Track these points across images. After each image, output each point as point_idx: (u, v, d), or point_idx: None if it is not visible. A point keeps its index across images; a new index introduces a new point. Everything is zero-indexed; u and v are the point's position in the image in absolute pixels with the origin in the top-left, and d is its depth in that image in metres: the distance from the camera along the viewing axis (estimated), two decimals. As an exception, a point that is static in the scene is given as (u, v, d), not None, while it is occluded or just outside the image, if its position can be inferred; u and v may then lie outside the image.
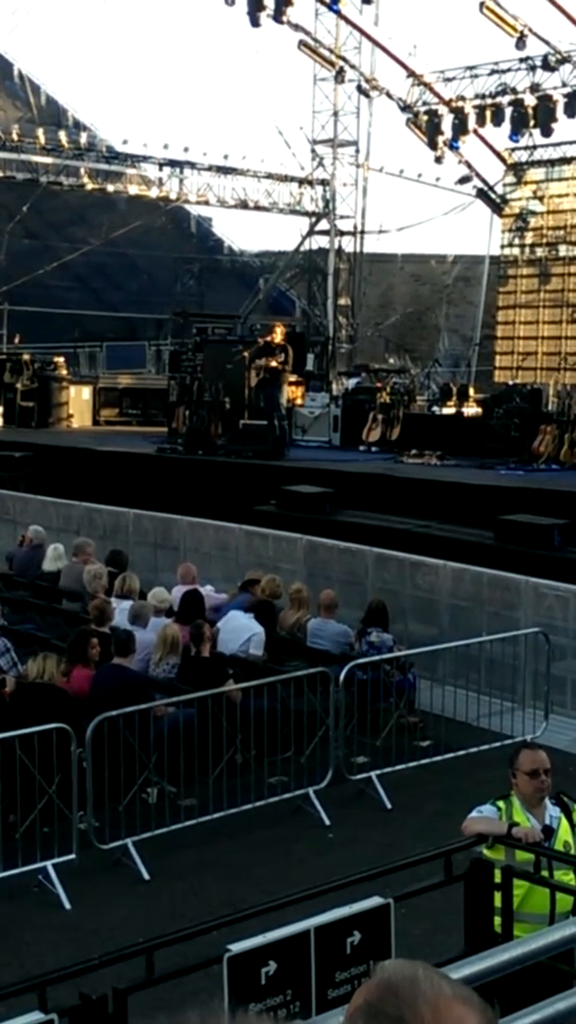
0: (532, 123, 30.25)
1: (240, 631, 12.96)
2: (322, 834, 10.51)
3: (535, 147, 32.87)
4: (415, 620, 14.95)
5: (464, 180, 34.53)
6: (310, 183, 38.35)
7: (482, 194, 34.88)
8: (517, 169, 33.88)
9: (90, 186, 35.80)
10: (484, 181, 34.62)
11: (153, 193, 37.12)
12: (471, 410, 27.81)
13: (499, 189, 34.53)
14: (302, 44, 34.39)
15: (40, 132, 34.88)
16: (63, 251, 40.75)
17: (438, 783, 11.36)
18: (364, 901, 6.09)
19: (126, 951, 5.89)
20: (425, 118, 32.49)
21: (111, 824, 9.72)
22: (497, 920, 6.47)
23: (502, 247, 34.76)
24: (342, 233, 38.90)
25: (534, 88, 29.90)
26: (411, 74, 32.64)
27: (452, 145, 32.64)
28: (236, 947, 5.54)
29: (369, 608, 13.61)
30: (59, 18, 55.24)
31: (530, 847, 6.48)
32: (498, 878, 6.45)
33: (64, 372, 33.05)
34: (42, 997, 5.29)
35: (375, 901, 6.09)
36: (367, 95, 35.07)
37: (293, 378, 28.22)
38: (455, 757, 11.81)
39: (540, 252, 33.44)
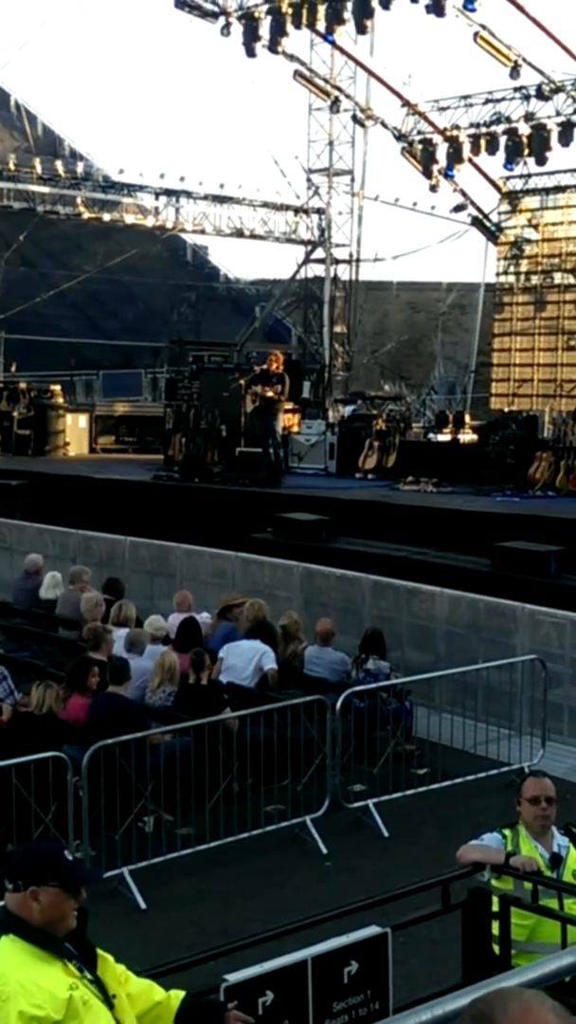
0: (527, 152, 30.45)
1: (250, 652, 12.96)
2: (319, 863, 10.47)
3: (530, 175, 33.05)
4: (412, 647, 14.93)
5: (459, 208, 34.71)
6: (306, 212, 38.56)
7: (477, 222, 35.06)
8: (512, 197, 34.04)
9: (86, 215, 35.97)
10: (479, 209, 34.80)
11: (149, 222, 37.30)
12: (467, 437, 27.86)
13: (494, 217, 34.70)
14: (297, 74, 34.63)
15: (37, 162, 35.09)
16: (59, 279, 40.92)
17: (435, 811, 11.33)
18: (361, 930, 6.06)
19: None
20: (420, 147, 32.69)
21: (107, 853, 9.69)
22: (497, 948, 6.44)
23: (497, 275, 34.89)
24: (338, 261, 39.09)
25: (528, 117, 30.10)
26: (406, 103, 32.85)
27: (447, 174, 32.83)
28: (233, 977, 5.51)
29: (366, 636, 13.59)
30: (55, 49, 55.59)
31: (529, 876, 6.46)
32: (496, 907, 6.43)
33: (60, 400, 33.11)
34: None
35: (372, 930, 6.07)
36: (362, 124, 35.30)
37: (289, 406, 28.26)
38: (452, 785, 11.78)
39: (535, 280, 33.57)
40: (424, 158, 32.63)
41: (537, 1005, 2.10)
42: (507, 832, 6.73)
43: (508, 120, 30.51)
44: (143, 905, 9.46)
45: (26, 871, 4.28)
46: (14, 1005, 3.97)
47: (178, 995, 4.63)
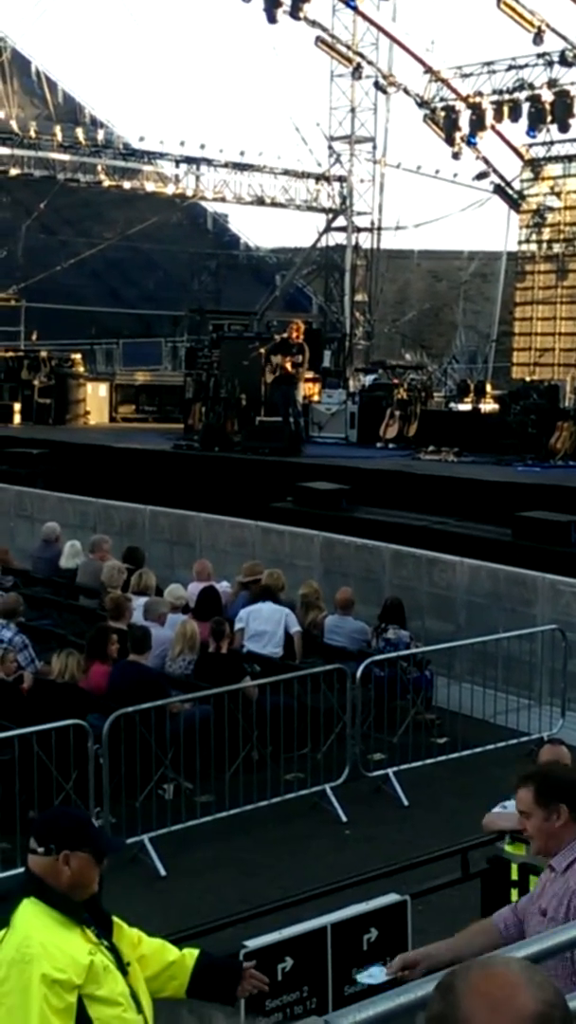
0: (550, 119, 30.20)
1: (276, 615, 13.01)
2: (339, 831, 10.50)
3: (552, 143, 32.83)
4: (432, 617, 14.93)
5: (481, 176, 34.51)
6: (327, 179, 38.34)
7: (499, 190, 34.84)
8: (534, 165, 33.83)
9: (107, 183, 35.85)
10: (501, 177, 34.58)
11: (170, 190, 37.17)
12: (488, 406, 27.77)
13: (516, 185, 34.49)
14: (319, 40, 34.38)
15: (57, 129, 34.96)
16: (80, 247, 40.84)
17: (455, 780, 11.35)
18: (381, 898, 6.09)
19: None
20: (442, 114, 32.45)
21: (128, 820, 9.74)
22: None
23: (519, 243, 34.71)
24: (359, 229, 38.88)
25: (552, 83, 29.84)
26: (428, 70, 32.60)
27: (469, 141, 32.61)
28: (253, 943, 5.54)
29: (386, 605, 13.61)
30: (75, 16, 55.31)
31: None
32: (515, 875, 6.44)
33: (81, 369, 33.13)
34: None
35: (392, 898, 6.10)
36: (384, 91, 35.04)
37: (309, 375, 28.22)
38: (472, 754, 11.79)
39: (557, 248, 33.38)
40: (446, 125, 32.40)
41: (500, 967, 2.08)
42: (526, 799, 6.73)
43: (531, 87, 30.26)
44: (163, 872, 9.52)
45: (59, 835, 4.27)
46: (37, 967, 3.98)
47: (192, 953, 4.64)
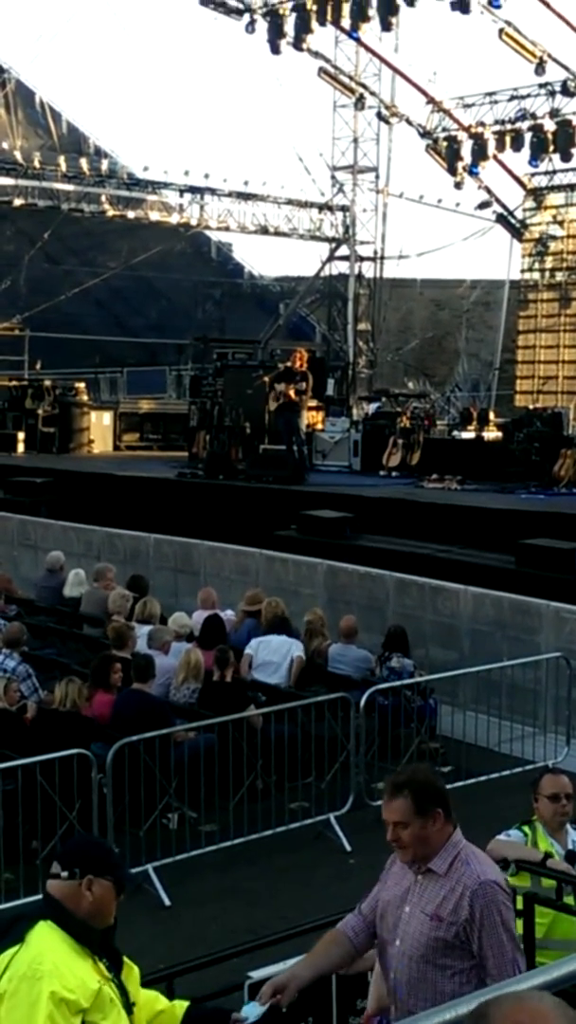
0: (552, 148, 30.38)
1: (284, 646, 13.03)
2: (343, 860, 10.46)
3: (555, 172, 32.99)
4: (436, 645, 14.90)
5: (484, 205, 34.66)
6: (330, 209, 38.52)
7: (502, 219, 34.99)
8: (537, 194, 33.97)
9: (111, 213, 36.01)
10: (504, 206, 34.73)
11: (174, 219, 37.33)
12: (491, 434, 27.79)
13: (519, 214, 34.63)
14: (322, 71, 34.61)
15: (61, 159, 35.14)
16: (84, 277, 40.99)
17: (459, 809, 11.17)
18: (385, 928, 6.04)
19: (147, 978, 5.85)
20: (445, 144, 32.65)
21: (132, 850, 9.69)
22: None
23: (522, 272, 34.83)
24: (362, 259, 39.05)
25: (553, 113, 30.02)
26: (430, 100, 32.80)
27: (472, 171, 32.78)
28: (257, 974, 5.52)
29: (389, 633, 13.58)
30: (79, 47, 55.68)
31: (557, 875, 6.44)
32: (520, 905, 6.41)
33: (85, 398, 33.19)
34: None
35: (396, 928, 6.05)
36: (387, 121, 35.23)
37: (313, 403, 28.25)
38: (476, 783, 11.75)
39: (560, 276, 33.49)
40: (449, 155, 32.58)
41: (534, 1000, 2.14)
42: (526, 829, 6.72)
43: (533, 116, 30.44)
44: (167, 902, 9.48)
45: (84, 860, 4.33)
46: (47, 984, 4.01)
47: (182, 1004, 4.66)
